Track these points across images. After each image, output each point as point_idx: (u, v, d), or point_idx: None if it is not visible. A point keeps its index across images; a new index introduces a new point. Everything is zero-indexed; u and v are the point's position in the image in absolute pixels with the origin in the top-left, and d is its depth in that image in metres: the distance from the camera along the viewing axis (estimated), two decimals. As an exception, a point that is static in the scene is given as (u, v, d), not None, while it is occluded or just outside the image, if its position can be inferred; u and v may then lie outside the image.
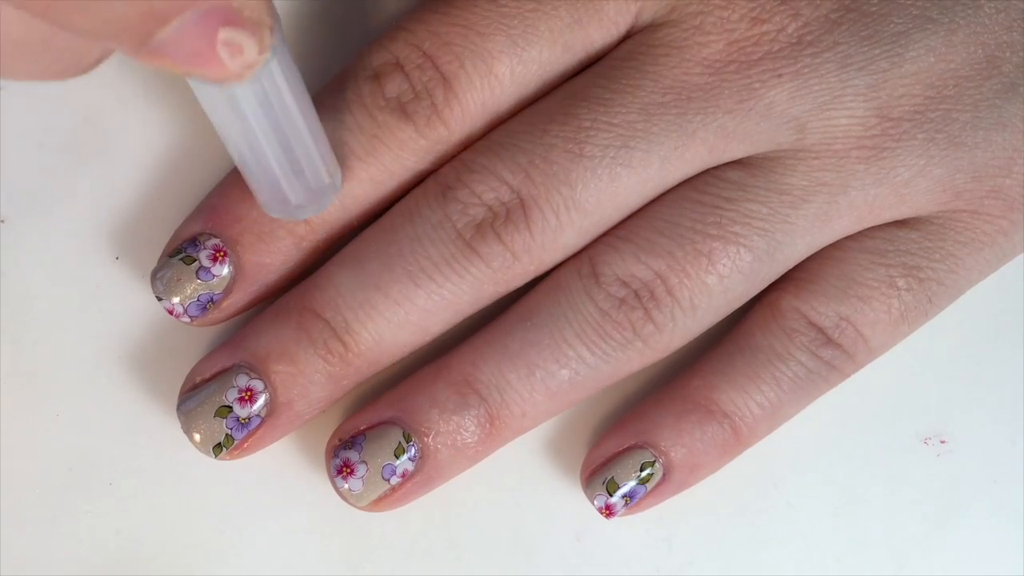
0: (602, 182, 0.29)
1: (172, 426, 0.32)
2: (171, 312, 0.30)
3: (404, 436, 0.30)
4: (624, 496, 0.31)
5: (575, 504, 0.33)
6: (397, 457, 0.30)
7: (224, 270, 0.30)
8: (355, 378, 0.31)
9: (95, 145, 0.33)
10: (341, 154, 0.30)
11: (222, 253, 0.30)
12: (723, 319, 0.31)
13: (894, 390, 0.34)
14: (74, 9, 0.20)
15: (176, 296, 0.30)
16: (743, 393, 0.31)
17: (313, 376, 0.30)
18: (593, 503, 0.32)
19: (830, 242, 0.31)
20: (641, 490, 0.31)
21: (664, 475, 0.31)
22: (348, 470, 0.31)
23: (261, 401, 0.30)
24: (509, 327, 0.31)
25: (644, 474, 0.31)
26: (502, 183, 0.29)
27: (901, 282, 0.31)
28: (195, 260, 0.30)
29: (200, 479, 0.33)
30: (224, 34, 0.21)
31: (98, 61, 0.23)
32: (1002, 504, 0.34)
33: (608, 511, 0.32)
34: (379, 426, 0.31)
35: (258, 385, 0.30)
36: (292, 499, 0.33)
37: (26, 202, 0.33)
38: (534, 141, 0.29)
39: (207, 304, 0.30)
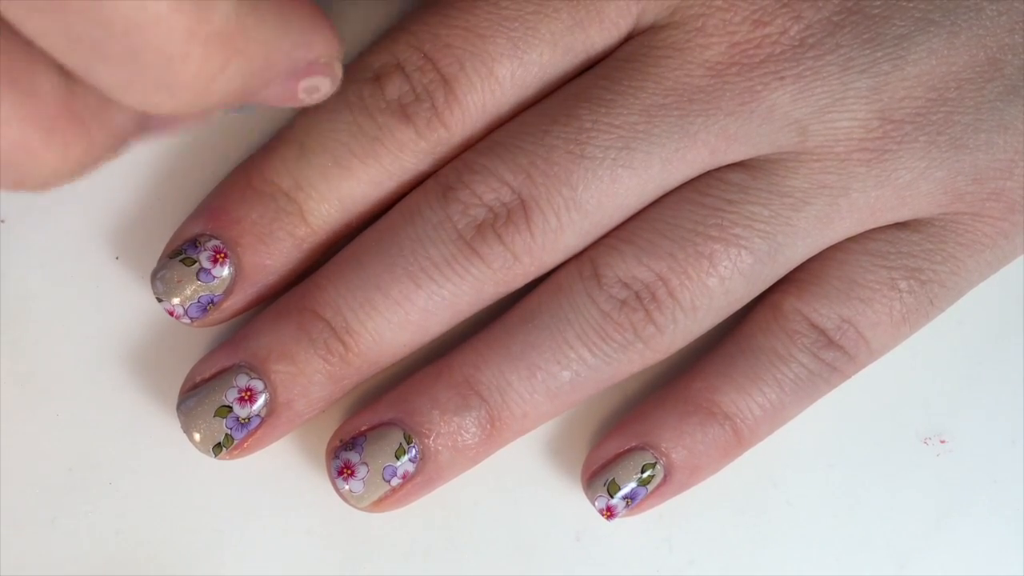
0: (603, 183, 0.29)
1: (172, 426, 0.32)
2: (171, 313, 0.30)
3: (405, 437, 0.30)
4: (625, 497, 0.32)
5: (575, 504, 0.33)
6: (398, 458, 0.30)
7: (224, 271, 0.30)
8: (355, 378, 0.31)
9: (95, 145, 0.33)
10: (341, 155, 0.30)
11: (222, 254, 0.30)
12: (724, 320, 0.31)
13: (894, 390, 0.34)
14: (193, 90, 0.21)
15: (176, 297, 0.30)
16: (744, 394, 0.31)
17: (313, 376, 0.30)
18: (594, 504, 0.32)
19: (831, 244, 0.31)
20: (642, 491, 0.31)
21: (665, 476, 0.31)
22: (349, 471, 0.31)
23: (261, 401, 0.30)
24: (510, 328, 0.31)
25: (645, 475, 0.31)
26: (503, 183, 0.29)
27: (903, 284, 0.31)
28: (195, 261, 0.30)
29: (200, 479, 0.33)
30: (304, 83, 0.23)
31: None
32: (1002, 504, 0.34)
33: (609, 512, 0.32)
34: (380, 427, 0.31)
35: (258, 385, 0.30)
36: (292, 500, 0.33)
37: (26, 202, 0.33)
38: (535, 142, 0.29)
39: (207, 305, 0.30)
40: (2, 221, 0.33)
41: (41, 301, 0.33)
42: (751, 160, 0.30)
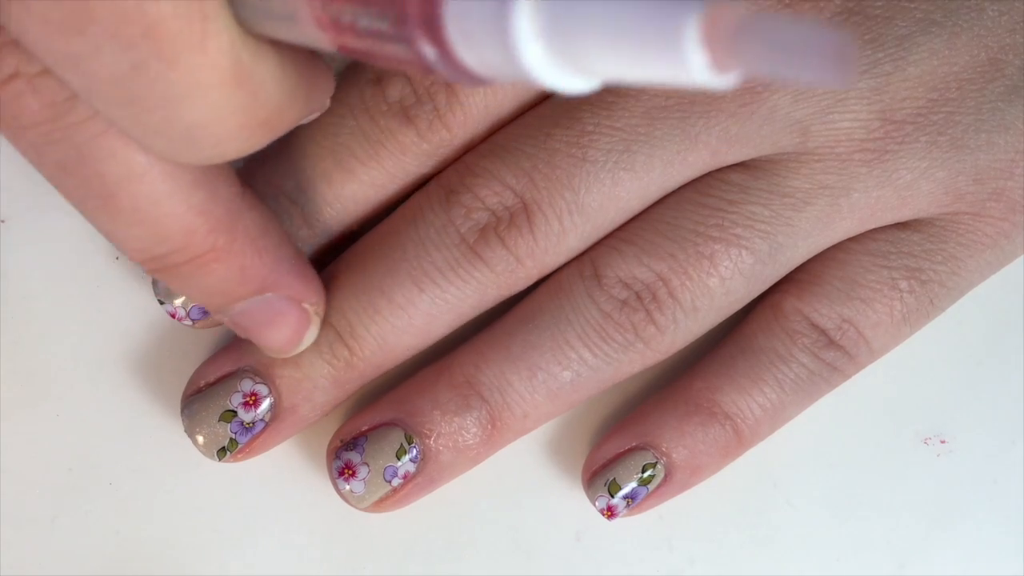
0: (605, 186, 0.29)
1: (173, 427, 0.32)
2: (173, 315, 0.30)
3: (406, 437, 0.30)
4: (626, 497, 0.32)
5: (575, 504, 0.33)
6: (398, 458, 0.30)
7: (225, 273, 0.30)
8: (359, 382, 0.30)
9: (95, 145, 0.32)
10: (343, 158, 0.30)
11: (223, 256, 0.30)
12: (725, 320, 0.31)
13: (894, 390, 0.34)
14: (175, 280, 0.26)
15: (178, 299, 0.30)
16: (745, 394, 0.31)
17: (318, 380, 0.30)
18: (595, 504, 0.32)
19: (832, 244, 0.31)
20: (643, 491, 0.31)
21: (666, 476, 0.31)
22: (350, 472, 0.31)
23: (265, 405, 0.30)
24: (511, 329, 0.31)
25: (646, 475, 0.31)
26: (505, 187, 0.29)
27: (903, 284, 0.31)
28: (196, 263, 0.30)
29: (200, 479, 0.33)
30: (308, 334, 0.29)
31: None
32: (1002, 504, 0.34)
33: (610, 512, 0.32)
34: (380, 427, 0.31)
35: (262, 389, 0.30)
36: (293, 500, 0.33)
37: (26, 202, 0.33)
38: (537, 145, 0.29)
39: (208, 307, 0.30)
40: (2, 221, 0.33)
41: (41, 301, 0.33)
42: (752, 161, 0.30)
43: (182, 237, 0.25)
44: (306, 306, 0.28)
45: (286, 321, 0.28)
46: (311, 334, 0.29)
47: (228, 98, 0.21)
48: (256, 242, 0.26)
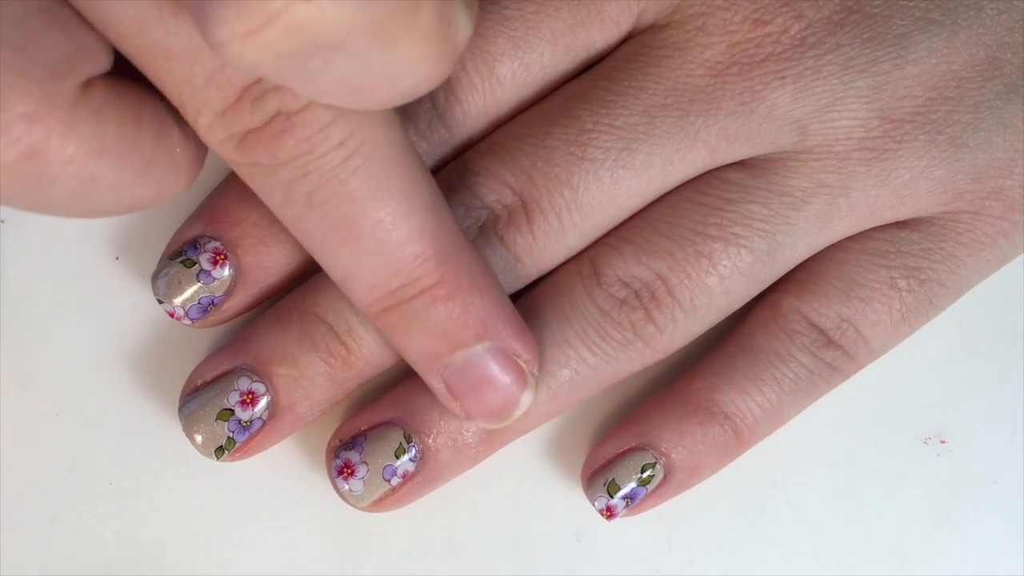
0: (604, 184, 0.29)
1: (172, 426, 0.32)
2: (172, 314, 0.30)
3: (405, 437, 0.30)
4: (625, 497, 0.31)
5: (575, 504, 0.33)
6: (398, 458, 0.30)
7: (225, 273, 0.30)
8: (357, 380, 0.30)
9: (95, 145, 0.33)
10: None
11: (222, 256, 0.30)
12: (724, 320, 0.31)
13: (894, 390, 0.34)
14: (401, 323, 0.27)
15: (177, 298, 0.30)
16: (744, 394, 0.31)
17: (315, 379, 0.30)
18: (594, 505, 0.32)
19: (831, 243, 0.31)
20: (642, 491, 0.31)
21: (665, 476, 0.31)
22: (349, 471, 0.31)
23: (263, 404, 0.30)
24: (510, 328, 0.31)
25: (645, 475, 0.31)
26: (504, 185, 0.29)
27: (902, 283, 0.31)
28: (195, 263, 0.30)
29: (200, 479, 0.33)
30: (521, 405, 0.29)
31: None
32: (1002, 504, 0.34)
33: (609, 512, 0.32)
34: (380, 426, 0.31)
35: (260, 388, 0.30)
36: (293, 499, 0.33)
37: (26, 202, 0.33)
38: (536, 143, 0.29)
39: (208, 306, 0.30)
40: (2, 221, 0.33)
41: (41, 301, 0.33)
42: (751, 159, 0.30)
43: (415, 266, 0.26)
44: (521, 364, 0.28)
45: (501, 381, 0.28)
46: (527, 397, 0.29)
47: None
48: (477, 280, 0.27)
